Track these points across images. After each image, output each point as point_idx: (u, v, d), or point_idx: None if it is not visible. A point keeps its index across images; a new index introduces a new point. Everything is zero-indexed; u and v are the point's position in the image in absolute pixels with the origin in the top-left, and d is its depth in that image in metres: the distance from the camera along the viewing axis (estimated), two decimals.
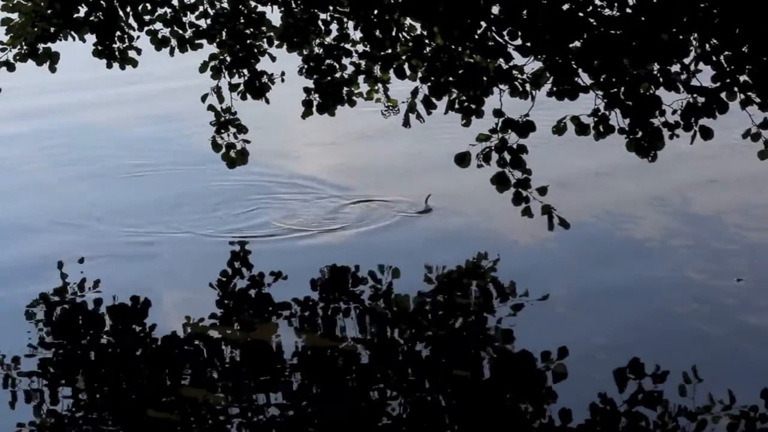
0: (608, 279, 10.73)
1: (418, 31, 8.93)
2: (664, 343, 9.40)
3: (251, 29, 9.67)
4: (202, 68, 9.84)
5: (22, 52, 9.58)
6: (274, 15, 9.64)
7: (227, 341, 9.72)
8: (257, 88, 9.85)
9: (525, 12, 8.11)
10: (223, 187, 13.25)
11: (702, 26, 7.93)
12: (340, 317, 10.15)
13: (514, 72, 8.52)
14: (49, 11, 9.36)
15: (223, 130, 10.09)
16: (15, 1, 9.39)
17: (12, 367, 9.18)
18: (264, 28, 9.68)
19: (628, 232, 12.02)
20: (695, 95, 8.27)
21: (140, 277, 10.94)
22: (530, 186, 8.68)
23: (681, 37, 7.98)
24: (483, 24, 8.33)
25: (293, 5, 9.32)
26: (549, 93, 8.36)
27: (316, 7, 9.22)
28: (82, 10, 9.56)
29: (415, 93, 9.04)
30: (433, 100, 8.84)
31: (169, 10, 9.76)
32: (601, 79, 8.21)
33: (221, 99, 9.94)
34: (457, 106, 8.75)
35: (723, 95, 8.17)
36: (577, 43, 8.14)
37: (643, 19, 7.96)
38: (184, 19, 9.79)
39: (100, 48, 9.87)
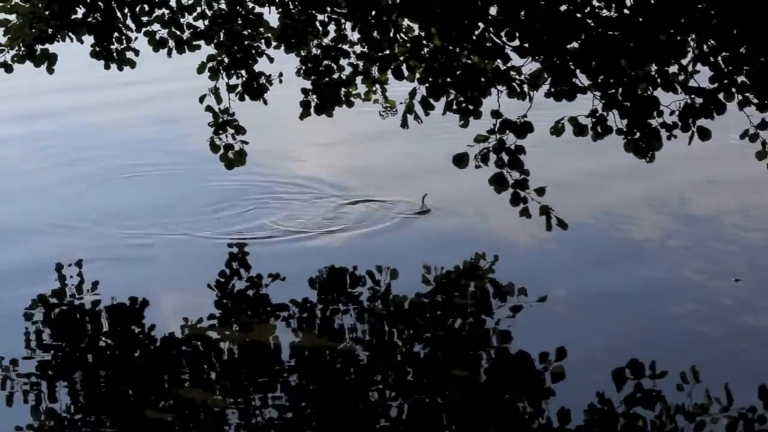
0: (607, 279, 10.72)
1: (416, 32, 8.93)
2: (663, 344, 9.40)
3: (249, 30, 9.67)
4: (200, 69, 9.83)
5: (20, 53, 9.57)
6: (272, 16, 9.63)
7: (225, 343, 9.72)
8: (255, 89, 9.84)
9: (523, 13, 8.11)
10: (222, 189, 13.23)
11: (700, 27, 7.94)
12: (339, 318, 10.15)
13: (512, 73, 8.53)
14: (46, 12, 9.36)
15: (221, 131, 10.08)
16: (13, 3, 9.38)
17: (10, 369, 9.17)
18: (262, 29, 9.67)
19: (626, 233, 12.02)
20: (693, 96, 8.27)
21: (138, 280, 10.93)
22: (528, 187, 8.68)
23: (679, 38, 7.99)
24: (481, 25, 8.33)
25: (291, 6, 9.32)
26: (547, 94, 8.37)
27: (313, 8, 9.21)
28: (80, 12, 9.56)
29: (413, 94, 9.04)
30: (431, 101, 8.85)
31: (166, 12, 9.75)
32: (599, 80, 8.21)
33: (219, 100, 9.93)
34: (455, 107, 8.75)
35: (721, 96, 8.18)
36: (575, 44, 8.15)
37: (640, 20, 7.97)
38: (181, 20, 9.79)
39: (97, 49, 9.86)
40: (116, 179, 14.10)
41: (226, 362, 9.37)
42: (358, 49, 9.40)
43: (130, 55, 9.94)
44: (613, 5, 8.07)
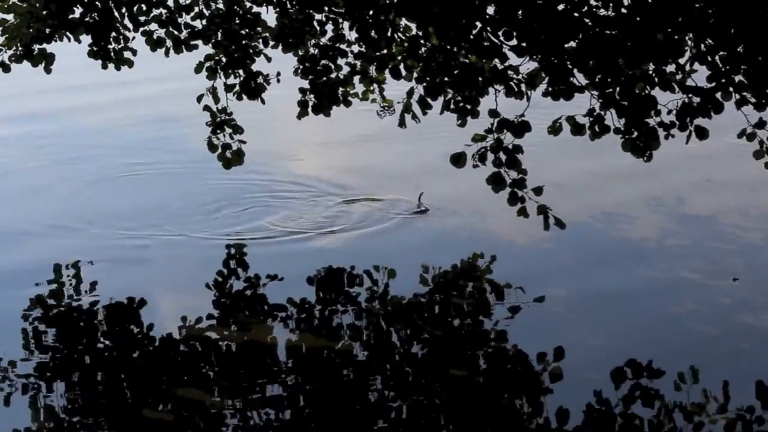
0: (605, 279, 10.72)
1: (414, 32, 8.93)
2: (661, 343, 9.40)
3: (246, 30, 9.66)
4: (198, 69, 9.82)
5: (18, 53, 9.56)
6: (270, 16, 9.63)
7: (224, 343, 9.72)
8: (253, 88, 9.84)
9: (520, 12, 8.11)
10: (220, 189, 13.22)
11: (697, 26, 7.93)
12: (337, 319, 10.14)
13: (510, 72, 8.52)
14: (44, 12, 9.35)
15: (219, 131, 10.07)
16: (10, 2, 9.38)
17: (9, 370, 9.16)
18: (259, 29, 9.66)
19: (624, 233, 12.02)
20: (690, 95, 8.27)
21: (136, 280, 10.92)
22: (526, 186, 8.68)
23: (676, 37, 7.98)
24: (478, 24, 8.32)
25: (288, 6, 9.32)
26: (544, 93, 8.36)
27: (311, 7, 9.21)
28: (78, 11, 9.55)
29: (410, 93, 9.05)
30: (429, 100, 8.85)
31: (164, 11, 9.74)
32: (597, 79, 8.21)
33: (217, 100, 9.93)
34: (452, 106, 8.74)
35: (718, 95, 8.17)
36: (573, 44, 8.14)
37: (638, 19, 7.96)
38: (179, 20, 9.78)
39: (95, 49, 9.86)
40: (114, 179, 14.09)
41: (224, 363, 9.36)
42: (355, 48, 9.39)
43: (127, 54, 9.94)
44: (611, 4, 8.07)
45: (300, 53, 9.59)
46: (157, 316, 10.19)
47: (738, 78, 8.06)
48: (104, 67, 10.00)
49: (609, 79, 8.19)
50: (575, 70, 8.23)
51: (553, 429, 8.26)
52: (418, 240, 11.92)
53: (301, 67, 9.61)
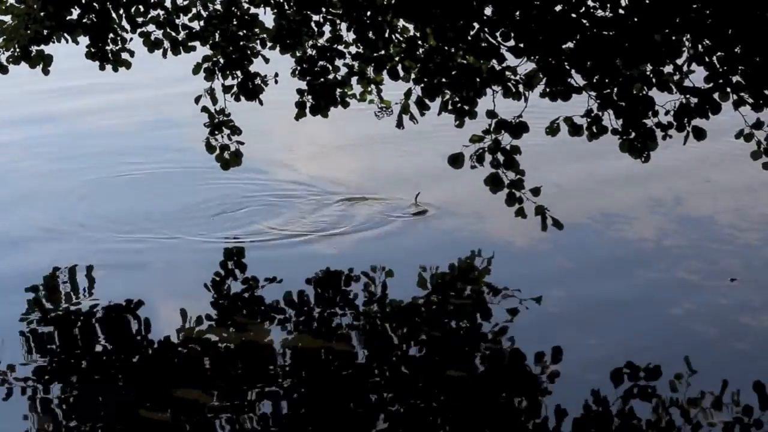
0: (604, 280, 10.73)
1: (411, 33, 8.93)
2: (660, 343, 9.41)
3: (244, 31, 9.66)
4: (196, 70, 9.82)
5: (15, 54, 9.56)
6: (267, 17, 9.63)
7: (222, 345, 9.71)
8: (250, 89, 9.83)
9: (518, 13, 8.11)
10: (218, 190, 13.22)
11: (695, 27, 7.93)
12: (337, 321, 10.14)
13: (507, 73, 8.52)
14: (41, 13, 9.34)
15: (216, 132, 10.07)
16: (7, 4, 9.37)
17: (8, 374, 9.16)
18: (257, 30, 9.66)
19: (622, 234, 12.02)
20: (688, 96, 8.27)
21: (134, 283, 10.90)
22: (524, 187, 8.68)
23: (674, 38, 7.98)
24: (476, 25, 8.32)
25: (286, 7, 9.32)
26: (542, 94, 8.37)
27: (308, 8, 9.20)
28: (75, 13, 9.54)
29: (408, 94, 9.05)
30: (427, 101, 8.85)
31: (162, 12, 9.74)
32: (594, 80, 8.21)
33: (215, 101, 9.92)
34: (450, 107, 8.74)
35: (716, 96, 8.17)
36: (570, 44, 8.14)
37: (635, 20, 7.96)
38: (177, 21, 9.77)
39: (93, 50, 9.85)
40: (112, 182, 14.06)
41: (223, 366, 9.36)
42: (353, 49, 9.39)
43: (125, 56, 9.93)
44: (608, 5, 8.07)
45: (297, 54, 9.59)
46: (155, 319, 10.19)
47: (735, 78, 8.06)
48: (102, 68, 9.99)
49: (607, 80, 8.19)
50: (573, 71, 8.23)
51: (552, 430, 8.27)
52: (417, 242, 11.92)
53: (298, 68, 9.61)
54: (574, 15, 8.06)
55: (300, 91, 9.75)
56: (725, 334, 9.62)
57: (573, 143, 9.45)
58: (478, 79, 8.53)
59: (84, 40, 9.82)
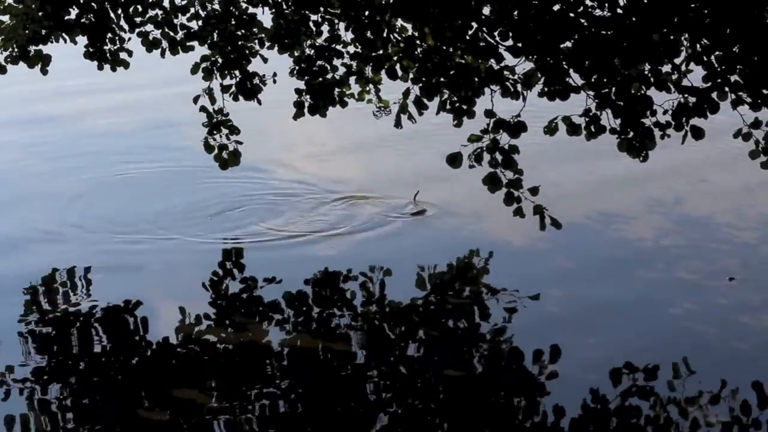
0: (602, 281, 10.73)
1: (410, 32, 8.93)
2: (659, 343, 9.41)
3: (242, 31, 9.66)
4: (194, 70, 9.83)
5: (13, 54, 9.56)
6: (265, 16, 9.63)
7: (220, 346, 9.71)
8: (249, 89, 9.83)
9: (516, 13, 8.11)
10: (217, 190, 13.21)
11: (693, 26, 7.93)
12: (336, 321, 10.14)
13: (506, 72, 8.52)
14: (40, 13, 9.35)
15: (215, 132, 10.07)
16: (6, 4, 9.38)
17: (6, 376, 9.15)
18: (255, 30, 9.66)
19: (621, 234, 12.02)
20: (686, 95, 8.27)
21: (133, 284, 10.89)
22: (522, 186, 8.68)
23: (672, 37, 7.98)
24: (474, 25, 8.32)
25: (284, 6, 9.32)
26: (540, 93, 8.36)
27: (307, 8, 9.20)
28: (73, 12, 9.54)
29: (406, 94, 9.05)
30: (425, 100, 8.85)
31: (160, 12, 9.75)
32: (593, 80, 8.21)
33: (213, 100, 9.92)
34: (448, 106, 8.74)
35: (714, 95, 8.17)
36: (568, 44, 8.14)
37: (633, 19, 7.96)
38: (175, 21, 9.78)
39: (91, 50, 9.85)
40: (110, 183, 14.05)
41: (221, 366, 9.35)
42: (351, 49, 9.39)
43: (123, 55, 9.94)
44: (606, 5, 8.07)
45: (296, 54, 9.59)
46: (154, 320, 10.18)
47: (734, 78, 8.06)
48: (100, 68, 10.00)
49: (605, 80, 8.19)
50: (571, 71, 8.23)
51: (553, 428, 8.28)
52: (416, 242, 11.91)
53: (296, 67, 9.61)
54: (572, 14, 8.06)
55: (298, 91, 9.75)
56: (724, 334, 9.62)
57: (571, 143, 9.45)
58: (476, 79, 8.53)
59: (82, 40, 9.83)
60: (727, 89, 8.12)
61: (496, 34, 8.27)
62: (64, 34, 9.57)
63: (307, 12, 9.27)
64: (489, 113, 8.52)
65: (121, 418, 8.55)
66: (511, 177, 8.67)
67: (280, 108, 10.68)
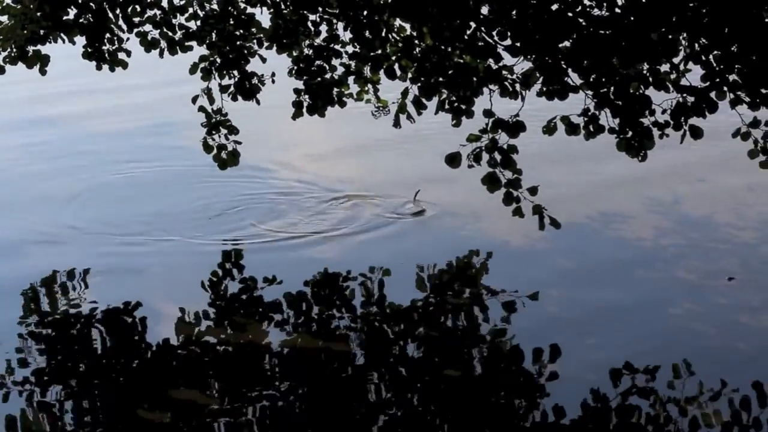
0: (602, 279, 10.73)
1: (408, 32, 8.93)
2: (659, 343, 9.40)
3: (241, 31, 9.67)
4: (192, 70, 9.83)
5: (12, 54, 9.56)
6: (264, 16, 9.63)
7: (220, 347, 9.71)
8: (247, 89, 9.84)
9: (514, 12, 8.11)
10: (215, 190, 13.20)
11: (691, 26, 7.93)
12: (335, 322, 10.13)
13: (504, 72, 8.52)
14: (38, 13, 9.35)
15: (214, 132, 10.07)
16: (4, 4, 9.38)
17: (6, 378, 9.15)
18: (254, 30, 9.67)
19: (620, 233, 12.01)
20: (685, 95, 8.27)
21: (132, 286, 10.87)
22: (521, 186, 8.68)
23: (670, 36, 7.98)
24: (472, 24, 8.32)
25: (282, 6, 9.31)
26: (539, 93, 8.37)
27: (305, 8, 9.21)
28: (72, 12, 9.55)
29: (405, 93, 9.04)
30: (424, 100, 8.84)
31: (158, 12, 9.75)
32: (591, 79, 8.21)
33: (212, 100, 9.92)
34: (447, 106, 8.74)
35: (712, 94, 8.17)
36: (567, 43, 8.14)
37: (632, 18, 7.96)
38: (173, 21, 9.78)
39: (89, 50, 9.86)
40: (110, 183, 14.04)
41: (221, 367, 9.35)
42: (350, 49, 9.40)
43: (121, 56, 9.94)
44: (605, 4, 8.07)
45: (294, 54, 9.59)
46: (154, 321, 10.17)
47: (732, 77, 8.06)
48: (98, 68, 10.01)
49: (603, 79, 8.20)
50: (570, 70, 8.23)
51: (553, 428, 8.27)
52: (415, 242, 11.90)
53: (295, 67, 9.61)
54: (570, 14, 8.06)
55: (297, 91, 9.75)
56: (724, 334, 9.61)
57: (570, 142, 9.45)
58: (474, 79, 8.53)
59: (81, 40, 9.83)
60: (725, 89, 8.13)
61: (494, 33, 8.28)
62: (62, 35, 9.58)
63: (305, 12, 9.27)
64: (488, 113, 8.51)
65: (121, 419, 8.55)
66: (510, 177, 8.67)
67: (278, 108, 10.68)
